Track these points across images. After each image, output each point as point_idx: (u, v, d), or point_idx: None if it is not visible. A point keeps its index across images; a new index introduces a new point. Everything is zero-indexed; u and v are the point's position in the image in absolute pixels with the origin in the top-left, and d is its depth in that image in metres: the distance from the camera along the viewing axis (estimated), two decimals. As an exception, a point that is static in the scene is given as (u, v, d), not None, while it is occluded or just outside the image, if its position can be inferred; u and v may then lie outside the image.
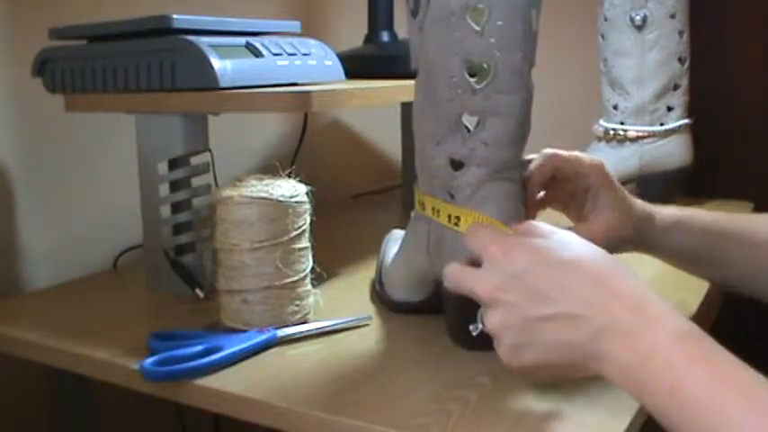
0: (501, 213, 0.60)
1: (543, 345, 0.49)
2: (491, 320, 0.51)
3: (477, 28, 0.56)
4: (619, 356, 0.46)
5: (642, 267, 0.85)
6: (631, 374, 0.46)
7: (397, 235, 0.83)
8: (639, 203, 0.69)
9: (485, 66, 0.57)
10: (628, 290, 0.48)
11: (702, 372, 0.43)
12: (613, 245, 0.67)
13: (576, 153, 0.68)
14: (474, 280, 0.52)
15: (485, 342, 0.59)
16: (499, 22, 0.56)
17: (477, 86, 0.58)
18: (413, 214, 0.69)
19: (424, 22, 0.59)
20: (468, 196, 0.61)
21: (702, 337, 0.45)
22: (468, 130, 0.60)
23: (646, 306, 0.47)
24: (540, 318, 0.49)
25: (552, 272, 0.50)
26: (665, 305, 0.47)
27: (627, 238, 0.68)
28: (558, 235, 0.53)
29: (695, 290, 0.77)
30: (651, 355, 0.45)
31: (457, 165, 0.61)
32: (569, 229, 0.64)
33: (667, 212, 0.70)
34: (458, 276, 0.54)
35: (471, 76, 0.58)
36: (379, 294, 0.76)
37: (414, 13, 0.60)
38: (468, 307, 0.60)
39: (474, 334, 0.54)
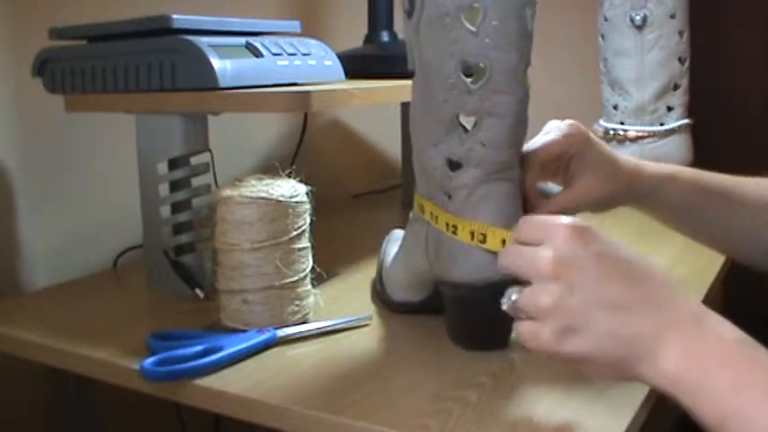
0: (499, 214, 0.60)
1: (598, 333, 0.47)
2: (544, 296, 0.48)
3: (472, 28, 0.56)
4: (676, 356, 0.45)
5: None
6: (687, 376, 0.45)
7: (398, 235, 0.83)
8: (627, 159, 0.70)
9: (480, 66, 0.57)
10: (687, 297, 0.49)
11: (764, 381, 0.43)
12: (600, 202, 0.68)
13: (549, 137, 0.66)
14: (537, 252, 0.49)
15: (485, 342, 0.59)
16: (494, 22, 0.56)
17: (473, 87, 0.58)
18: (411, 215, 0.69)
19: (419, 23, 0.59)
20: (465, 197, 0.60)
21: (759, 347, 0.45)
22: (466, 131, 0.59)
23: (705, 313, 0.48)
24: (604, 303, 0.47)
25: (624, 262, 0.49)
26: (719, 316, 0.48)
27: (614, 193, 0.68)
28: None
29: (695, 290, 0.77)
30: (713, 358, 0.45)
31: (454, 165, 0.60)
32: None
33: (658, 167, 0.71)
34: (517, 250, 0.51)
35: (467, 76, 0.58)
36: (379, 294, 0.76)
37: (409, 13, 0.60)
38: (470, 308, 0.60)
39: (504, 308, 0.51)
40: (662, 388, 0.46)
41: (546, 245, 0.49)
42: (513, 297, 0.50)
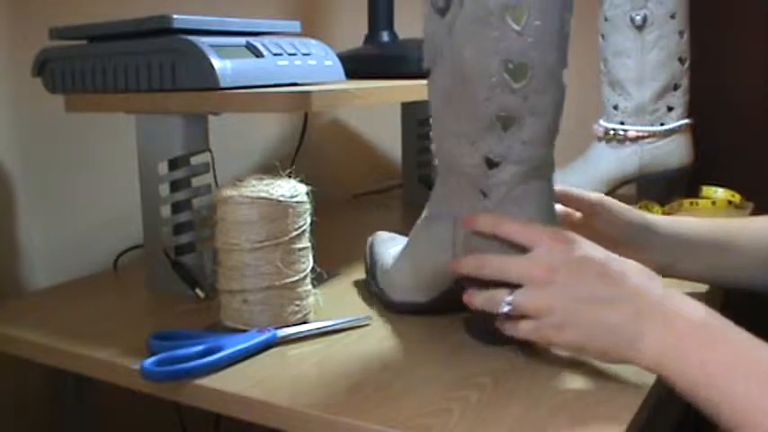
0: (538, 210, 0.62)
1: (586, 325, 0.56)
2: (539, 299, 0.57)
3: (517, 28, 0.57)
4: (652, 342, 0.53)
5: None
6: (663, 359, 0.52)
7: (384, 237, 0.82)
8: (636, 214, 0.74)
9: (524, 65, 0.58)
10: (656, 287, 0.56)
11: (725, 353, 0.51)
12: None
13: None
14: (527, 262, 0.58)
15: (503, 337, 0.61)
16: (537, 22, 0.57)
17: (516, 86, 0.58)
18: (427, 214, 0.69)
19: (455, 22, 0.59)
20: (505, 193, 0.61)
21: (720, 321, 0.53)
22: (505, 129, 0.60)
23: (672, 299, 0.55)
24: (588, 300, 0.56)
25: (601, 263, 0.57)
26: (684, 296, 0.55)
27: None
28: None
29: (697, 289, 0.77)
30: (682, 340, 0.52)
31: (492, 163, 0.61)
32: None
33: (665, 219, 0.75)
34: (505, 261, 0.59)
35: (509, 75, 0.58)
36: (379, 297, 0.76)
37: (442, 11, 0.59)
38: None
39: (504, 310, 0.58)
40: (647, 369, 0.54)
41: (535, 251, 0.58)
42: (509, 299, 0.58)
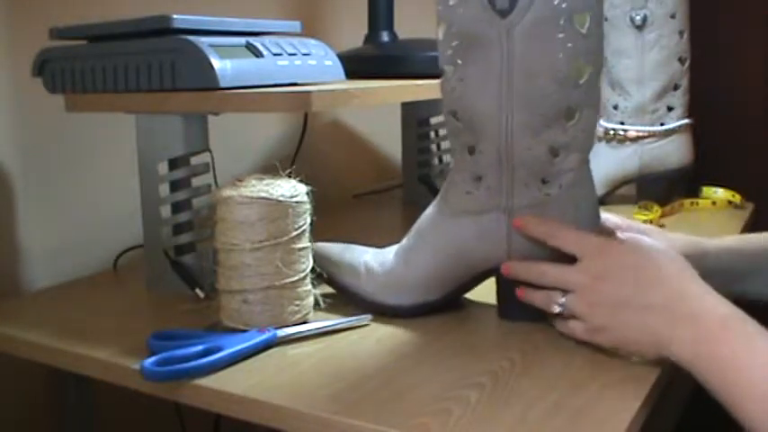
0: (593, 193, 0.69)
1: (627, 328, 0.61)
2: (586, 306, 0.63)
3: (582, 31, 0.62)
4: (684, 347, 0.57)
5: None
6: (694, 360, 0.56)
7: (337, 246, 0.77)
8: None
9: (588, 64, 0.64)
10: (693, 280, 0.61)
11: (736, 346, 0.55)
12: None
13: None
14: (578, 273, 0.64)
15: (537, 314, 0.68)
16: (596, 26, 0.63)
17: (581, 82, 0.64)
18: (452, 207, 0.69)
19: (519, 22, 0.62)
20: (572, 178, 0.67)
21: (745, 321, 0.56)
22: (569, 120, 0.65)
23: (706, 293, 0.59)
24: (627, 305, 0.61)
25: (642, 269, 0.62)
26: (710, 296, 0.59)
27: None
28: (637, 238, 0.67)
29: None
30: (708, 341, 0.56)
31: (556, 152, 0.66)
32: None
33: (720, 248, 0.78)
34: (561, 272, 0.65)
35: (576, 72, 0.64)
36: (376, 307, 0.73)
37: (505, 13, 0.62)
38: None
39: (556, 311, 0.65)
40: (681, 361, 0.58)
41: (585, 261, 0.64)
42: (561, 300, 0.64)
